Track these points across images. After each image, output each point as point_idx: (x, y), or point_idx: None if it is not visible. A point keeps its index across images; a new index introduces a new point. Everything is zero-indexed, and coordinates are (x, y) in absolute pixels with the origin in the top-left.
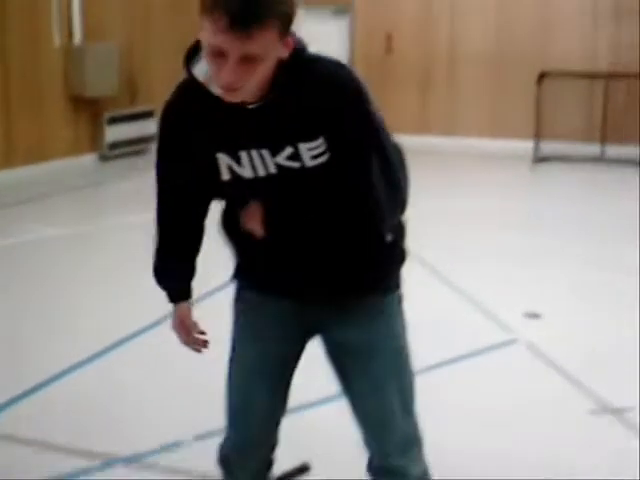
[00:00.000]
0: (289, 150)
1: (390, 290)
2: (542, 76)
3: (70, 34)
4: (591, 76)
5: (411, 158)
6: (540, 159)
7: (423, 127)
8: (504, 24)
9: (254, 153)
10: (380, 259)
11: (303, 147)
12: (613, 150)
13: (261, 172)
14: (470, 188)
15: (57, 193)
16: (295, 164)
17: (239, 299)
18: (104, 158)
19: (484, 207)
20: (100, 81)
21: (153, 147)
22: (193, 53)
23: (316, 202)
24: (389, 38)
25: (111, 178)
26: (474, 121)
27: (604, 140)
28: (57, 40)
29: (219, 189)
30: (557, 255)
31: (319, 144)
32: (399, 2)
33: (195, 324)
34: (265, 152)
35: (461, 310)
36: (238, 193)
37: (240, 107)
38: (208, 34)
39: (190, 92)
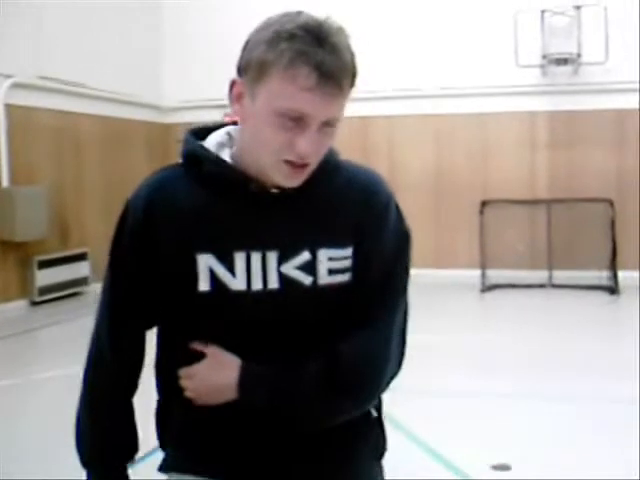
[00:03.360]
0: (305, 256)
1: None
2: (484, 205)
3: None
4: (532, 202)
5: None
6: (488, 288)
7: None
8: (442, 155)
9: (255, 256)
10: (368, 442)
11: (324, 255)
12: (560, 275)
13: (257, 284)
14: (417, 321)
15: None
16: (306, 278)
17: None
18: (34, 303)
19: (433, 341)
20: (30, 225)
21: (87, 290)
22: (195, 136)
23: (317, 346)
24: None
25: (42, 324)
26: (418, 252)
27: (550, 266)
28: None
29: (182, 309)
30: (515, 393)
31: (345, 255)
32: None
33: None
34: (271, 256)
35: (419, 463)
36: (212, 317)
37: (252, 193)
38: (281, 97)
39: (172, 179)
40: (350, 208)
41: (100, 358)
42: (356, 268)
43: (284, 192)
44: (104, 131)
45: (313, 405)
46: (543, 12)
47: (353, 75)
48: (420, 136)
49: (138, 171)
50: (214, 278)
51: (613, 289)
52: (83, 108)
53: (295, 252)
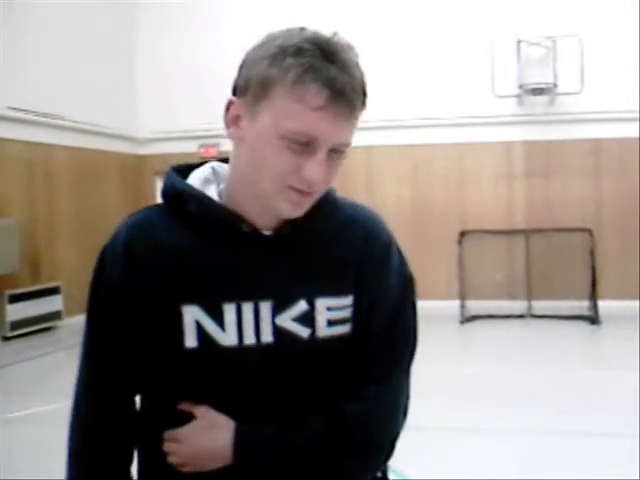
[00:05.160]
0: (302, 306)
1: None
2: (462, 235)
3: None
4: (510, 233)
5: None
6: (467, 319)
7: None
8: (420, 185)
9: (247, 307)
10: None
11: (322, 304)
12: (539, 305)
13: (250, 339)
14: None
15: None
16: (304, 331)
17: None
18: (5, 338)
19: (414, 374)
20: (0, 258)
21: (59, 324)
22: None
23: (315, 402)
24: None
25: (13, 360)
26: None
27: (530, 296)
28: None
29: (168, 368)
30: (499, 427)
31: (345, 304)
32: None
33: None
34: (265, 306)
35: None
36: (201, 376)
37: (243, 234)
38: (287, 117)
39: (152, 220)
40: (349, 253)
41: (83, 432)
42: (357, 318)
43: (278, 234)
44: (77, 163)
45: (317, 468)
46: (519, 42)
47: (364, 95)
48: (398, 166)
49: (112, 203)
50: (201, 333)
51: (593, 319)
52: (55, 139)
53: (291, 302)
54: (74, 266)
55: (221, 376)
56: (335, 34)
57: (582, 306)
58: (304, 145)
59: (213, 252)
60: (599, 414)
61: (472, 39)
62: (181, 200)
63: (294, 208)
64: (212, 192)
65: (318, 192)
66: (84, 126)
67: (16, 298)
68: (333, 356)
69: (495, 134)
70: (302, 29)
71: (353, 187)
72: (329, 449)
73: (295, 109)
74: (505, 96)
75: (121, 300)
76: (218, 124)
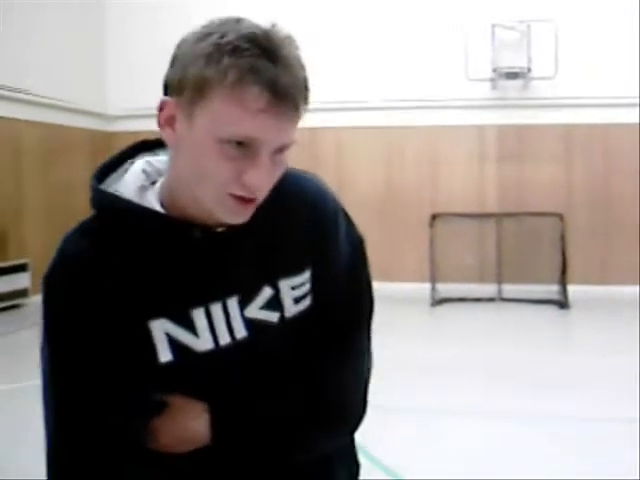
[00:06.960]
0: (267, 293)
1: None
2: (434, 218)
3: None
4: (482, 216)
5: None
6: (437, 301)
7: None
8: (392, 168)
9: (215, 308)
10: None
11: (285, 285)
12: (510, 289)
13: (224, 338)
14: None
15: None
16: (274, 315)
17: None
18: None
19: (384, 356)
20: None
21: (26, 302)
22: (103, 174)
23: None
24: None
25: None
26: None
27: (500, 280)
28: None
29: (143, 384)
30: (468, 410)
31: (305, 280)
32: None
33: None
34: (232, 302)
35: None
36: (178, 385)
37: (195, 239)
38: (226, 121)
39: (95, 240)
40: (301, 230)
41: None
42: (315, 290)
43: (231, 228)
44: (45, 139)
45: (295, 438)
46: (494, 26)
47: (307, 91)
48: (370, 148)
49: (80, 180)
50: (175, 344)
51: (563, 303)
52: (23, 115)
53: (256, 291)
54: (42, 243)
55: (200, 381)
56: (274, 26)
57: (552, 290)
58: (244, 150)
59: (168, 261)
60: (571, 397)
61: (447, 22)
62: (123, 217)
63: (235, 217)
64: (152, 201)
65: (261, 196)
66: (53, 102)
67: None
68: (299, 329)
69: (468, 117)
70: (238, 20)
71: (324, 169)
72: (303, 418)
73: (234, 113)
74: (479, 79)
75: (85, 328)
76: None
